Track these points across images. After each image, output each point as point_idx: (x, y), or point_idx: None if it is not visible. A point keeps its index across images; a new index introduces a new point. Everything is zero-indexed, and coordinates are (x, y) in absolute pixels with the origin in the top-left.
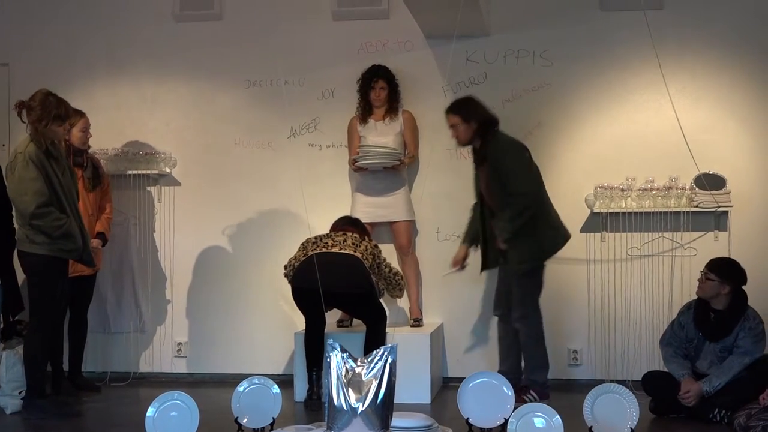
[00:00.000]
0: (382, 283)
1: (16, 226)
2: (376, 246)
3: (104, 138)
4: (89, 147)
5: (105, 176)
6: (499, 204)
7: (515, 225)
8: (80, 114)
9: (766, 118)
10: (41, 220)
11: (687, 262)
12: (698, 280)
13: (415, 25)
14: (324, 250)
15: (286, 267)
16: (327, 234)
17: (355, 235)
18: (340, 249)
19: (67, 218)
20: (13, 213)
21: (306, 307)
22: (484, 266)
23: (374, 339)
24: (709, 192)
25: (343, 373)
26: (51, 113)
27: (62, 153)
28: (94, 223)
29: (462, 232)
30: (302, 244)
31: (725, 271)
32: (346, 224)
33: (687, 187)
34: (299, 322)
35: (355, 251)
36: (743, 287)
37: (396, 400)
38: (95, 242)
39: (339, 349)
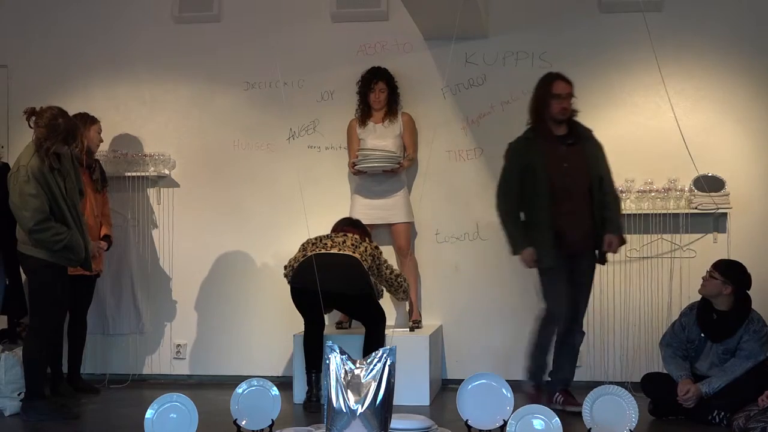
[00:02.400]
0: (383, 285)
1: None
2: (376, 248)
3: (103, 140)
4: (94, 152)
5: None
6: (589, 192)
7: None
8: (95, 119)
9: (765, 120)
10: (40, 235)
11: (686, 264)
12: (702, 278)
13: (414, 26)
14: (323, 251)
15: (285, 267)
16: (327, 235)
17: (355, 236)
18: (339, 250)
19: (68, 231)
20: None
21: (305, 308)
22: (550, 262)
23: (373, 341)
24: (708, 194)
25: (342, 375)
26: (58, 137)
27: (68, 157)
28: (99, 225)
29: (511, 236)
30: (302, 244)
31: (729, 272)
32: (347, 225)
33: (686, 188)
34: (298, 323)
35: (354, 252)
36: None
37: (395, 402)
38: (102, 244)
39: (338, 350)
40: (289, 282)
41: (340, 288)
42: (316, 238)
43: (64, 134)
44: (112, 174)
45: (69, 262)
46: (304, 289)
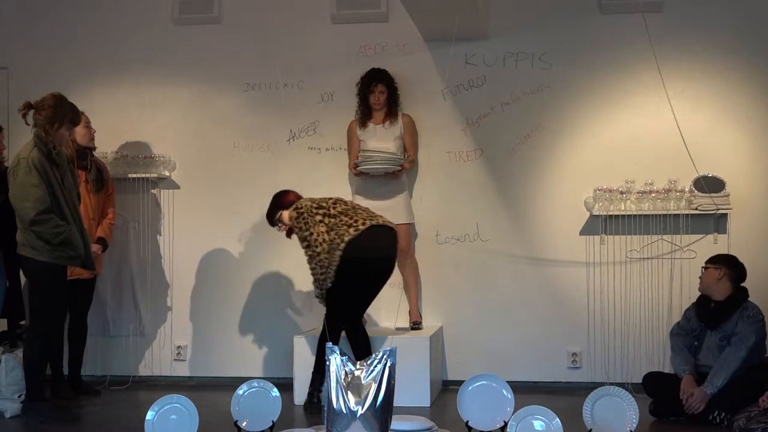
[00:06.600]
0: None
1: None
2: None
3: (103, 141)
4: (95, 147)
5: (109, 180)
6: None
7: None
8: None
9: (764, 121)
10: (41, 227)
11: (686, 265)
12: (699, 277)
13: (414, 28)
14: (376, 223)
15: (339, 245)
16: (361, 207)
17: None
18: (383, 221)
19: (67, 225)
20: None
21: (372, 279)
22: None
23: (362, 335)
24: (708, 194)
25: (343, 377)
26: (65, 116)
27: (65, 158)
28: (95, 227)
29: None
30: (342, 216)
31: (721, 258)
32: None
33: (686, 189)
34: (299, 325)
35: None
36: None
37: (395, 403)
38: (95, 247)
39: (338, 352)
40: (346, 256)
41: (394, 256)
42: (359, 213)
43: (71, 113)
44: (112, 175)
45: (68, 260)
46: (375, 257)
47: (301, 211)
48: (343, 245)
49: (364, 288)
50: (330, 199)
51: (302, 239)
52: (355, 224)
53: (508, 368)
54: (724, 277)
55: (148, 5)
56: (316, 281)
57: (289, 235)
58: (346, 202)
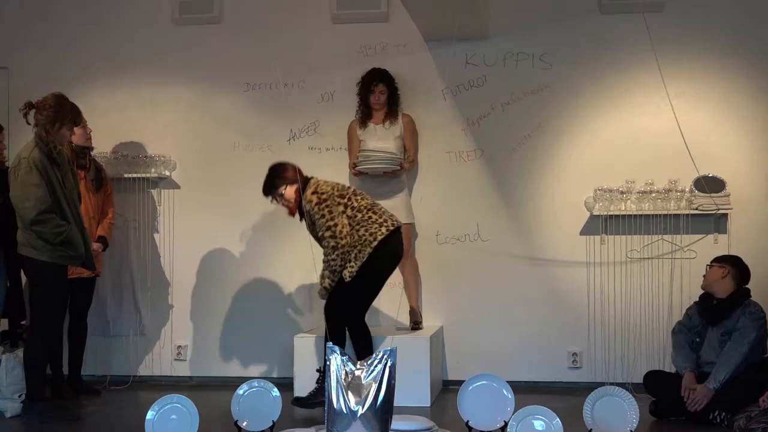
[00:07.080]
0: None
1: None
2: None
3: (103, 141)
4: (93, 147)
5: (108, 180)
6: None
7: None
8: None
9: (764, 121)
10: (41, 227)
11: (687, 265)
12: (703, 276)
13: (415, 28)
14: (399, 224)
15: (371, 243)
16: (379, 204)
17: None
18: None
19: (67, 225)
20: None
21: (385, 277)
22: None
23: (365, 332)
24: (708, 195)
25: (343, 377)
26: (66, 116)
27: (66, 158)
28: (96, 226)
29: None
30: (368, 212)
31: (726, 258)
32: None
33: (686, 189)
34: (300, 324)
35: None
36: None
37: (396, 403)
38: (96, 246)
39: (338, 352)
40: (372, 253)
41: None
42: (378, 211)
43: (71, 113)
44: (112, 175)
45: (69, 260)
46: (396, 256)
47: (324, 197)
48: (375, 243)
49: (376, 285)
50: (348, 187)
51: (325, 228)
52: (385, 223)
53: (508, 368)
54: (728, 276)
55: (148, 5)
56: (331, 272)
57: (293, 213)
58: (365, 195)
